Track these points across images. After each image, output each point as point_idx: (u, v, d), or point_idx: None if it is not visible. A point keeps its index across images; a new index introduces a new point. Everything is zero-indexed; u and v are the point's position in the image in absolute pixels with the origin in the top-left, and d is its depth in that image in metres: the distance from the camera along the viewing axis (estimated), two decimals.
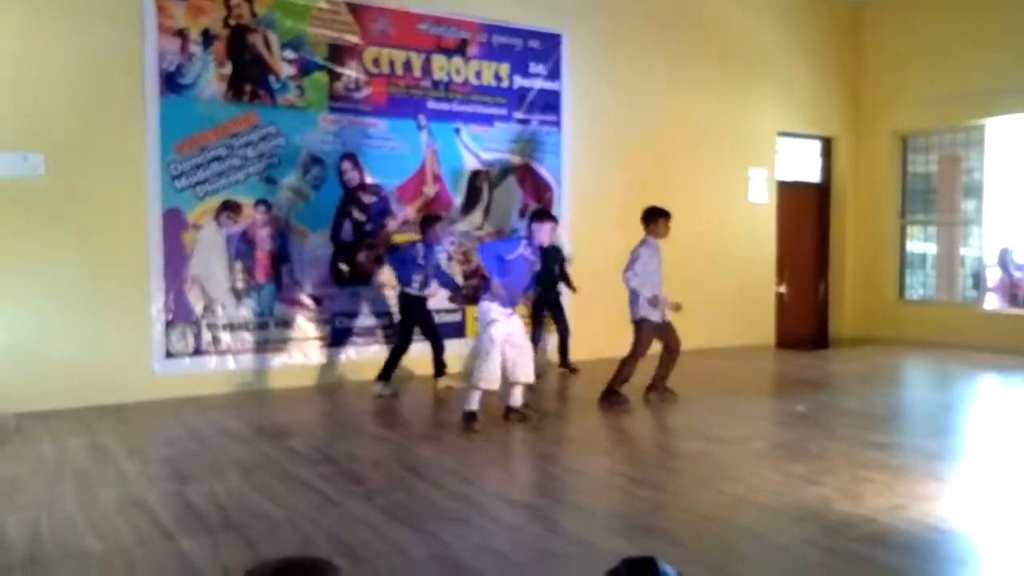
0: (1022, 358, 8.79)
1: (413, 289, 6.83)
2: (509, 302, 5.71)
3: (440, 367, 7.03)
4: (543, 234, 5.74)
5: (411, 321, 6.93)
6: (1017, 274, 10.51)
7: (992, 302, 10.28)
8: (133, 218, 6.61)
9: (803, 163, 10.98)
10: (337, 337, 7.48)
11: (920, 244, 10.99)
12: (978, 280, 10.27)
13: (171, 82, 6.70)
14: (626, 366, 6.47)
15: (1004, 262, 10.61)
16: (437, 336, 7.03)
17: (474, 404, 5.67)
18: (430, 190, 7.93)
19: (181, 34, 6.73)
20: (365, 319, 7.62)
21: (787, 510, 3.97)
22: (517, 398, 5.88)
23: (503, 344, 5.65)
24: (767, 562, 3.36)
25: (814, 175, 11.08)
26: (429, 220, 7.01)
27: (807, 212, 10.91)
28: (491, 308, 5.66)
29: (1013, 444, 5.41)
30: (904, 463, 4.77)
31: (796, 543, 3.54)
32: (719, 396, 6.96)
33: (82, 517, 3.86)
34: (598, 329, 8.23)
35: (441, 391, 6.93)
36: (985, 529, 3.72)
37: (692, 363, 8.28)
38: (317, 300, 7.39)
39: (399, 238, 7.73)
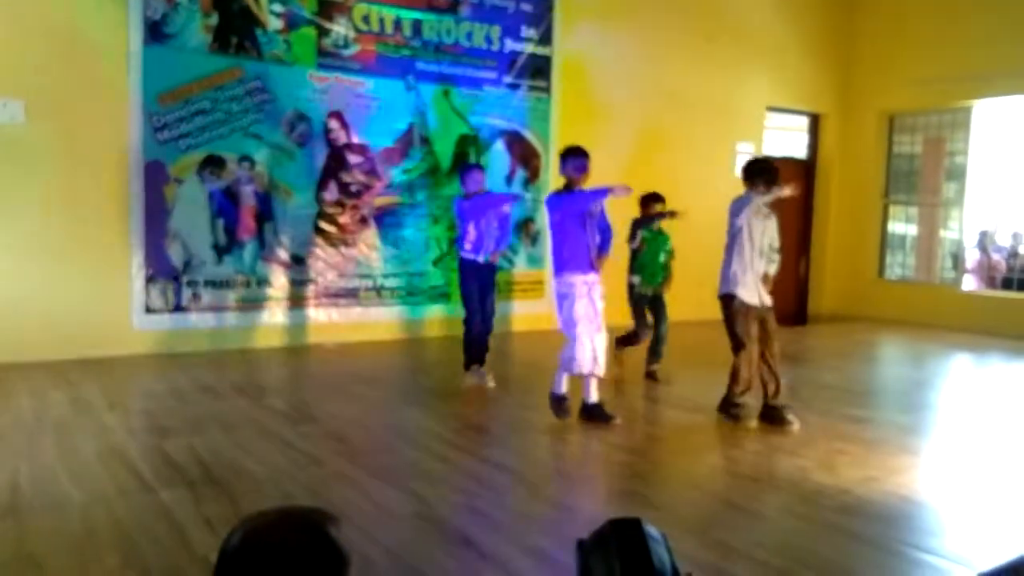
0: (997, 339, 8.94)
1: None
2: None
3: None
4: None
5: None
6: (995, 256, 10.66)
7: (970, 283, 10.44)
8: (114, 170, 6.50)
9: (790, 139, 10.98)
10: (319, 297, 7.44)
11: (901, 225, 11.08)
12: (957, 261, 10.40)
13: (155, 31, 6.55)
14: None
15: (983, 245, 10.75)
16: None
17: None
18: (417, 152, 7.86)
19: None
20: (348, 280, 7.58)
21: (766, 480, 4.04)
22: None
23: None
24: (746, 529, 3.41)
25: (801, 151, 11.10)
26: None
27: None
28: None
29: (983, 420, 5.52)
30: (879, 437, 4.86)
31: (774, 511, 3.61)
32: (699, 368, 7.02)
33: (62, 468, 3.84)
34: None
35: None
36: (955, 501, 3.81)
37: (674, 336, 8.32)
38: (300, 259, 7.33)
39: (381, 200, 7.67)
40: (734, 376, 5.08)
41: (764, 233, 5.17)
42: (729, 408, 5.11)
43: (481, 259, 5.85)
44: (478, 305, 5.88)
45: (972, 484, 4.07)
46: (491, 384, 5.86)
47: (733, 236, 5.15)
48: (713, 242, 9.71)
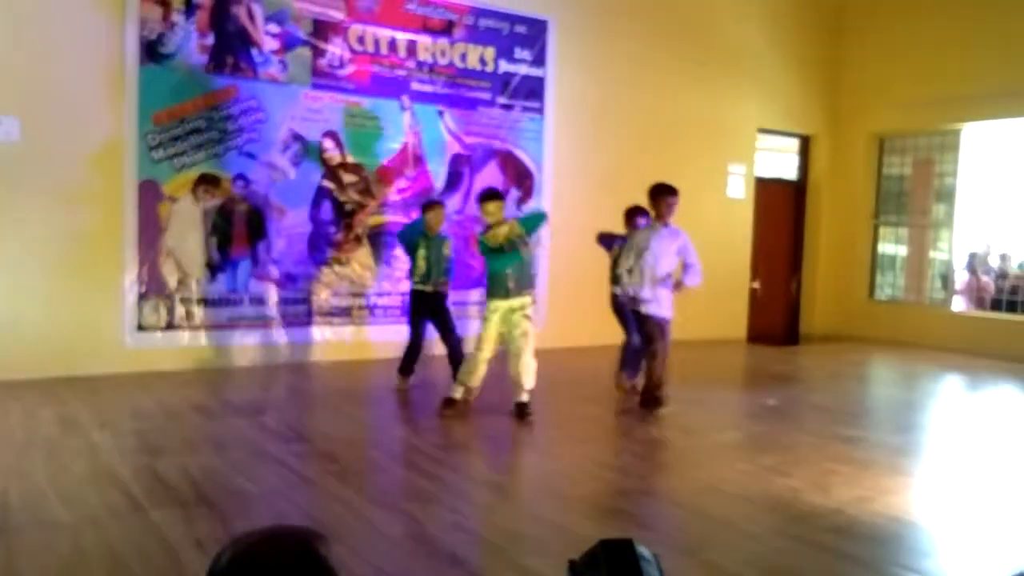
0: (986, 359, 8.98)
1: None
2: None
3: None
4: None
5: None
6: (984, 278, 10.73)
7: (959, 304, 10.50)
8: (108, 188, 6.50)
9: (781, 161, 11.07)
10: (312, 316, 7.44)
11: (891, 246, 11.16)
12: (946, 282, 10.47)
13: (151, 51, 6.59)
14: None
15: (972, 266, 10.83)
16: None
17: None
18: (411, 172, 7.90)
19: (163, 2, 6.60)
20: (341, 299, 7.59)
21: (757, 500, 4.04)
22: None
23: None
24: (737, 549, 3.41)
25: (791, 173, 11.19)
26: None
27: (783, 209, 11.01)
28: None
29: (974, 441, 5.54)
30: (870, 457, 4.87)
31: (765, 532, 3.61)
32: (692, 388, 7.02)
33: (52, 488, 3.82)
34: (575, 318, 8.27)
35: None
36: (946, 521, 3.82)
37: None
38: (293, 278, 7.33)
39: (377, 220, 7.69)
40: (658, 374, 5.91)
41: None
42: (657, 399, 5.87)
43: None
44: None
45: (964, 504, 4.08)
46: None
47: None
48: (702, 262, 9.77)
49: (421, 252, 6.23)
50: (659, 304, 5.92)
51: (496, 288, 5.58)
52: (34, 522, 3.40)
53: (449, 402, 5.61)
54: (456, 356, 6.13)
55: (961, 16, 9.68)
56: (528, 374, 5.55)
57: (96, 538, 3.24)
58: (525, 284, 5.68)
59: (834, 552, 3.37)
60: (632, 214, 6.57)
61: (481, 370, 5.61)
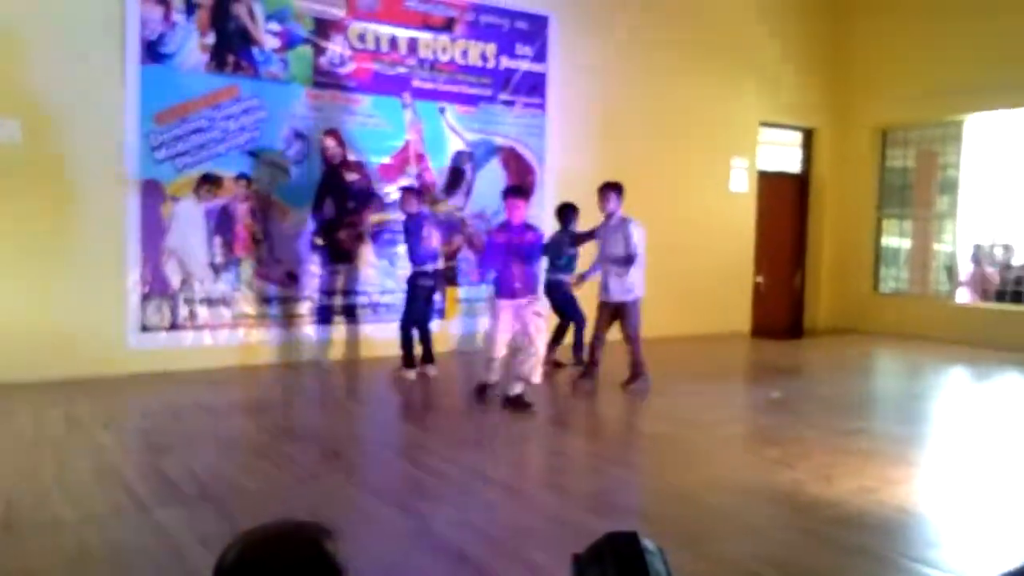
0: (991, 351, 8.96)
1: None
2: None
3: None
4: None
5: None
6: (990, 269, 10.69)
7: (963, 296, 10.47)
8: (110, 189, 6.51)
9: (784, 154, 11.05)
10: (315, 315, 7.44)
11: (895, 238, 11.13)
12: (951, 274, 10.44)
13: (152, 50, 6.59)
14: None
15: (977, 257, 10.79)
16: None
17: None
18: (414, 169, 7.89)
19: (164, 1, 6.61)
20: (345, 297, 7.59)
21: (761, 492, 4.03)
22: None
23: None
24: (742, 541, 3.41)
25: (794, 166, 11.16)
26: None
27: (786, 203, 11.00)
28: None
29: (979, 432, 5.53)
30: (874, 448, 4.87)
31: (770, 524, 3.61)
32: (696, 382, 7.02)
33: (57, 487, 3.84)
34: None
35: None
36: (951, 512, 3.81)
37: (670, 350, 8.35)
38: (296, 277, 7.34)
39: (379, 217, 7.69)
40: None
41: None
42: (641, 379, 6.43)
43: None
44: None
45: (969, 495, 4.08)
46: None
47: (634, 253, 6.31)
48: (706, 256, 9.72)
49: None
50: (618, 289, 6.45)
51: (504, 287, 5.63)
52: (40, 521, 3.41)
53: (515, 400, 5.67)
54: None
55: (963, 8, 9.63)
56: (538, 369, 5.61)
57: (101, 537, 3.25)
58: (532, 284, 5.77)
59: (839, 543, 3.37)
60: (562, 211, 7.33)
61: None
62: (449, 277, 7.94)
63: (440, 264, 7.09)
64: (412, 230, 6.80)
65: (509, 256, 5.60)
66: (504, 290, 5.64)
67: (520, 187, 6.97)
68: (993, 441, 5.26)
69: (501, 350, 5.65)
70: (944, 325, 9.87)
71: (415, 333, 6.84)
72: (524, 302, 5.61)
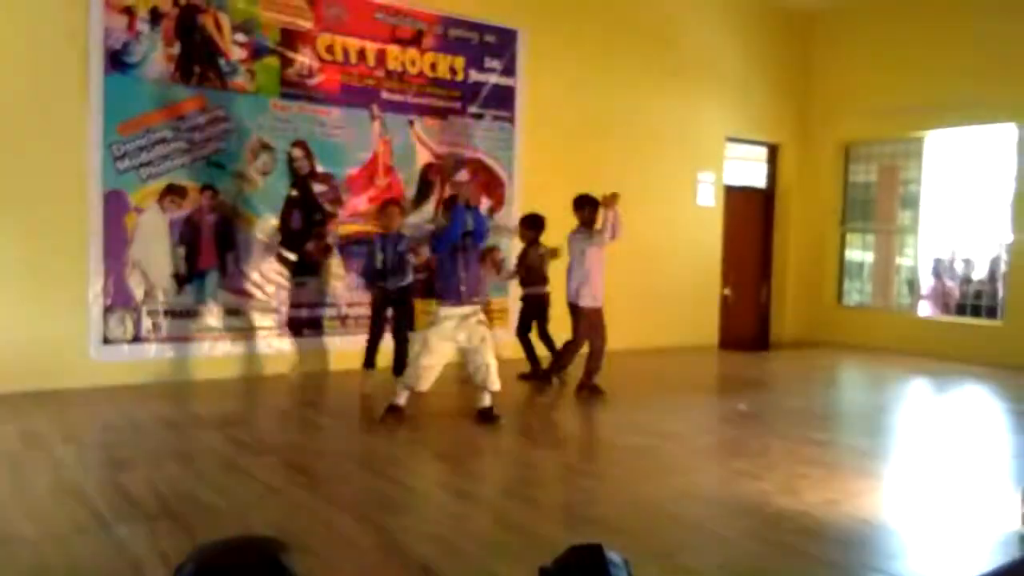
0: (952, 363, 9.13)
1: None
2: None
3: None
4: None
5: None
6: (950, 283, 10.92)
7: (925, 309, 10.67)
8: (73, 199, 6.39)
9: (750, 169, 11.20)
10: (282, 327, 7.36)
11: (859, 252, 11.33)
12: (912, 287, 10.64)
13: (116, 60, 6.50)
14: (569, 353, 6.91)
15: (937, 271, 11.02)
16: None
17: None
18: (382, 181, 7.87)
19: (128, 11, 6.53)
20: (312, 309, 7.52)
21: (728, 503, 4.06)
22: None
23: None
24: (708, 552, 3.43)
25: (760, 181, 11.32)
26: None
27: (752, 217, 11.14)
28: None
29: (940, 443, 5.62)
30: (839, 460, 4.93)
31: (737, 535, 3.63)
32: (664, 394, 7.06)
33: (14, 503, 3.74)
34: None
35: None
36: (914, 523, 3.87)
37: (637, 362, 8.40)
38: (262, 288, 7.26)
39: (347, 229, 7.65)
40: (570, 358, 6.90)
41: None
42: (592, 387, 6.64)
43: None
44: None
45: (931, 506, 4.14)
46: None
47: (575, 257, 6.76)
48: (674, 269, 9.81)
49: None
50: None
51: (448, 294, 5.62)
52: None
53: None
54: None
55: (925, 27, 9.88)
56: (493, 376, 5.58)
57: (60, 553, 3.17)
58: (478, 291, 5.79)
59: (804, 555, 3.39)
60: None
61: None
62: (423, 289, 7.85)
63: (408, 279, 6.99)
64: (384, 247, 6.75)
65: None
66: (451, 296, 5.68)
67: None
68: (954, 452, 5.35)
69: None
70: (906, 338, 10.05)
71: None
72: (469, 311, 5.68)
